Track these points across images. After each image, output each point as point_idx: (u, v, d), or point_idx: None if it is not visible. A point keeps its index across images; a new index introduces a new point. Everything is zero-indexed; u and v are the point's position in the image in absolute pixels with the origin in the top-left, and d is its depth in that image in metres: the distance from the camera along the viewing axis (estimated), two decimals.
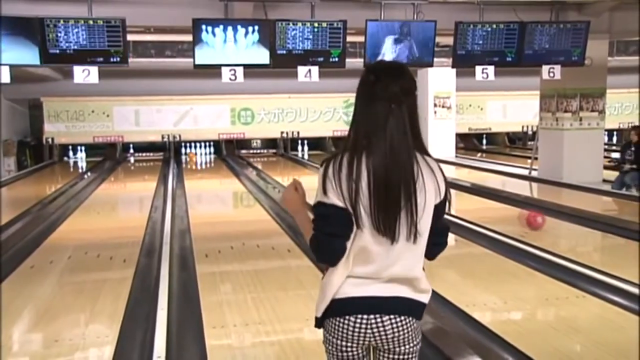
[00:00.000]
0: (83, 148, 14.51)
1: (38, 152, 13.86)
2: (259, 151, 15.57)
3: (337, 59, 6.98)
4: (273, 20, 6.81)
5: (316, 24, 6.87)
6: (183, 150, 14.87)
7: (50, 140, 13.83)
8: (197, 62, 6.73)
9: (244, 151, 15.25)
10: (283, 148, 15.28)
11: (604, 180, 8.94)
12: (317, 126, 14.93)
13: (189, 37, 6.98)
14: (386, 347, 1.80)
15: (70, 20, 6.31)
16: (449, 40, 7.70)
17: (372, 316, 1.77)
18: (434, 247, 1.84)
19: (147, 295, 4.29)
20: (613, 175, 8.69)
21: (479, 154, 14.96)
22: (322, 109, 14.91)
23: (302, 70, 6.92)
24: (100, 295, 4.36)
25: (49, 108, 13.71)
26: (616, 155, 8.81)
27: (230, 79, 6.81)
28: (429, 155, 1.81)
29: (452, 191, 1.90)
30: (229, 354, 3.37)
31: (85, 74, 6.43)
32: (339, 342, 1.80)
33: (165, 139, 14.39)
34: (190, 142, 14.82)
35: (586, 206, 7.22)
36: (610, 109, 13.80)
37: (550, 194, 8.53)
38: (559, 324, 3.78)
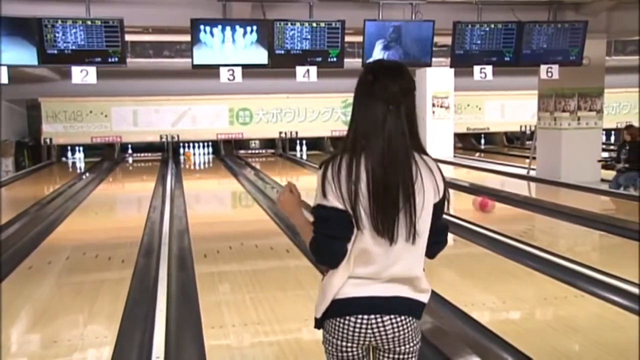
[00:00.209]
0: (81, 148, 14.50)
1: (36, 153, 13.84)
2: (257, 151, 15.57)
3: (335, 59, 6.99)
4: (271, 20, 6.81)
5: (314, 24, 6.87)
6: (181, 150, 14.86)
7: (48, 140, 13.82)
8: (195, 62, 6.73)
9: (242, 151, 15.25)
10: (281, 148, 15.28)
11: (602, 180, 8.95)
12: (315, 126, 14.94)
13: (187, 37, 6.98)
14: (386, 347, 1.80)
15: (68, 21, 6.30)
16: (447, 40, 7.71)
17: (372, 316, 1.76)
18: (434, 246, 1.84)
19: (146, 296, 4.29)
20: (611, 174, 8.70)
21: (477, 154, 14.98)
22: (321, 109, 14.91)
23: (300, 70, 6.92)
24: (98, 295, 4.36)
25: (47, 108, 13.70)
26: (605, 154, 8.81)
27: (229, 79, 6.81)
28: (427, 155, 1.80)
29: (451, 191, 1.89)
30: (227, 354, 3.37)
31: (83, 74, 6.42)
32: (339, 342, 1.80)
33: (164, 139, 14.39)
34: (188, 142, 14.81)
35: (584, 206, 7.23)
36: (608, 109, 13.83)
37: (548, 193, 8.54)
38: (557, 323, 3.78)
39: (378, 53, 7.01)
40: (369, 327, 1.77)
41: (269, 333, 3.61)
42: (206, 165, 14.15)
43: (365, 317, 1.76)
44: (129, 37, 7.26)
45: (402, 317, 1.78)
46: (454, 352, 3.23)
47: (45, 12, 6.36)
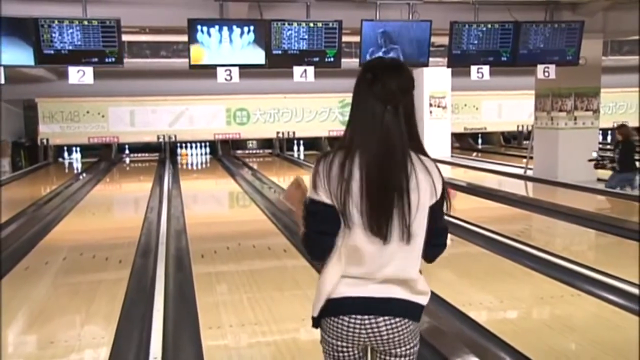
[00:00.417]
0: (78, 149, 14.46)
1: (33, 153, 13.81)
2: (254, 151, 15.56)
3: (332, 59, 6.99)
4: (268, 20, 6.81)
5: (311, 24, 6.87)
6: (179, 150, 14.85)
7: (45, 141, 13.78)
8: (192, 63, 6.72)
9: (239, 151, 15.24)
10: (279, 148, 15.28)
11: (599, 179, 8.97)
12: (312, 126, 14.93)
13: (184, 38, 6.98)
14: (382, 348, 1.79)
15: (65, 21, 6.29)
16: (444, 40, 7.72)
17: (366, 317, 1.76)
18: (432, 249, 1.82)
19: (143, 296, 4.28)
20: (607, 174, 8.71)
21: (474, 154, 15.00)
22: (318, 109, 14.91)
23: (297, 70, 6.92)
24: (95, 296, 4.35)
25: (44, 109, 13.67)
26: (595, 154, 8.82)
27: (226, 79, 6.81)
28: (427, 155, 1.79)
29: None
30: (225, 354, 3.37)
31: (80, 75, 6.41)
32: (334, 341, 1.80)
33: (161, 140, 14.37)
34: (185, 142, 14.80)
35: (581, 205, 7.25)
36: (605, 108, 13.83)
37: (545, 193, 8.56)
38: (554, 322, 3.78)
39: (375, 53, 7.01)
40: (363, 327, 1.76)
41: (266, 333, 3.61)
42: (203, 166, 14.13)
43: (359, 317, 1.76)
44: (125, 37, 7.26)
45: (398, 319, 1.76)
46: (451, 351, 3.24)
47: (42, 12, 6.35)
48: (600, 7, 8.36)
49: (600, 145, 10.87)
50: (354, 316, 1.76)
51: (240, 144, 15.32)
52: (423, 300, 1.81)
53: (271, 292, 4.36)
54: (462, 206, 7.25)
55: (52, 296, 4.52)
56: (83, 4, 6.46)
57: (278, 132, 14.86)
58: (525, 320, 3.91)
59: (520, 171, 10.39)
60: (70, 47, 6.34)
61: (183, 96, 14.01)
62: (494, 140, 16.67)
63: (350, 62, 8.04)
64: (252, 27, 6.74)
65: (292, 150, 15.39)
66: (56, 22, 6.27)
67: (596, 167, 8.56)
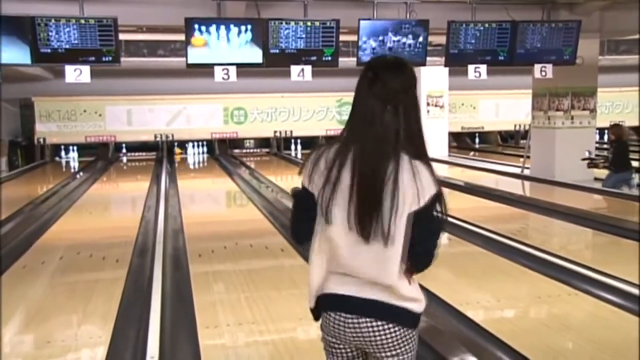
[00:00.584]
0: (75, 148, 14.43)
1: (29, 152, 13.77)
2: (252, 150, 15.55)
3: (330, 58, 6.99)
4: (266, 20, 6.81)
5: (309, 23, 6.86)
6: (176, 149, 14.83)
7: (41, 140, 13.75)
8: (189, 62, 6.71)
9: (237, 150, 15.23)
10: (276, 147, 15.27)
11: (595, 179, 8.99)
12: (310, 125, 14.92)
13: (181, 37, 6.97)
14: (369, 350, 1.78)
15: (62, 20, 6.27)
16: (442, 40, 7.72)
17: (349, 316, 1.75)
18: (415, 257, 1.75)
19: (140, 296, 4.27)
20: (603, 173, 8.73)
21: (471, 153, 15.01)
22: (315, 108, 14.91)
23: (295, 69, 6.92)
24: (92, 295, 4.34)
25: (41, 108, 13.63)
26: (587, 153, 8.84)
27: (223, 78, 6.80)
28: (425, 160, 1.73)
29: (446, 190, 1.83)
30: (222, 353, 3.37)
31: (77, 74, 6.40)
32: (327, 337, 1.82)
33: (158, 139, 14.35)
34: (183, 141, 14.78)
35: (578, 204, 7.26)
36: (602, 108, 13.87)
37: (542, 192, 8.57)
38: (551, 321, 3.79)
39: (372, 52, 7.01)
40: (347, 326, 1.75)
41: (263, 332, 3.61)
42: (201, 165, 14.12)
43: (344, 315, 1.76)
44: (123, 36, 7.24)
45: (381, 322, 1.73)
46: (448, 350, 3.24)
47: (39, 11, 6.33)
48: (597, 7, 8.38)
49: (597, 145, 10.89)
50: (339, 313, 1.77)
51: (237, 143, 15.31)
52: (413, 306, 1.76)
53: (268, 291, 4.36)
54: (460, 205, 7.26)
55: (48, 295, 4.52)
56: (80, 3, 6.44)
57: (275, 131, 14.85)
58: (522, 319, 3.91)
59: (518, 170, 10.40)
60: (67, 46, 6.33)
61: (180, 95, 13.99)
62: (491, 140, 16.69)
63: (348, 61, 8.07)
64: (249, 26, 6.74)
65: (290, 149, 15.38)
66: (53, 20, 6.26)
67: (589, 166, 8.57)
